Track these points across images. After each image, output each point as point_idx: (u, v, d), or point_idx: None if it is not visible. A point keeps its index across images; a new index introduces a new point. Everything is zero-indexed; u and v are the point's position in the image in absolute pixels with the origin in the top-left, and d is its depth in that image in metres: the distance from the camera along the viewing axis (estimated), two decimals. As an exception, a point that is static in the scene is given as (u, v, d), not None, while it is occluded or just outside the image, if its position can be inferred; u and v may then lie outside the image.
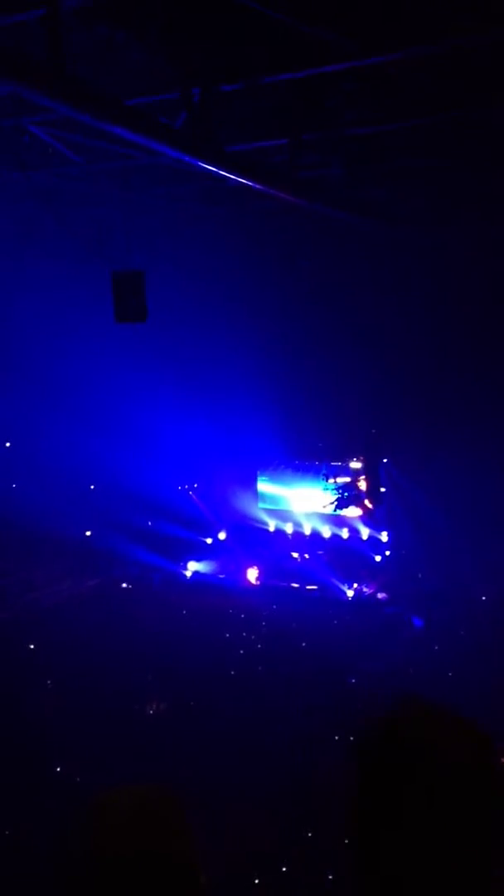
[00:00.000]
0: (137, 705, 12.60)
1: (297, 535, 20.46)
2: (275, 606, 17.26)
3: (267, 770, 10.37)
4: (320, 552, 19.83)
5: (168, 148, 6.98)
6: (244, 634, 15.71)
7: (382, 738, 1.36)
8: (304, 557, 19.91)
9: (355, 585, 18.24)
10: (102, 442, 18.11)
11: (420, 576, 17.77)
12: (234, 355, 17.12)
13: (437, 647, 14.52)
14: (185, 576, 19.64)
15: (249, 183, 8.14)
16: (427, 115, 7.62)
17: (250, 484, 20.85)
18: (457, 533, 16.59)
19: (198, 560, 20.01)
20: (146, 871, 1.36)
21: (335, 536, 20.00)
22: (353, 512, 19.53)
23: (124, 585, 18.87)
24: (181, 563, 19.73)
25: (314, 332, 16.56)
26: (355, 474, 19.34)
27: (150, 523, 19.77)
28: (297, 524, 20.50)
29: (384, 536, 19.40)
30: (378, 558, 19.31)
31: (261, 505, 20.92)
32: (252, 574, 19.31)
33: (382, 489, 18.80)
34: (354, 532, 19.74)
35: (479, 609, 15.65)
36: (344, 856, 7.62)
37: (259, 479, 20.88)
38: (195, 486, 21.42)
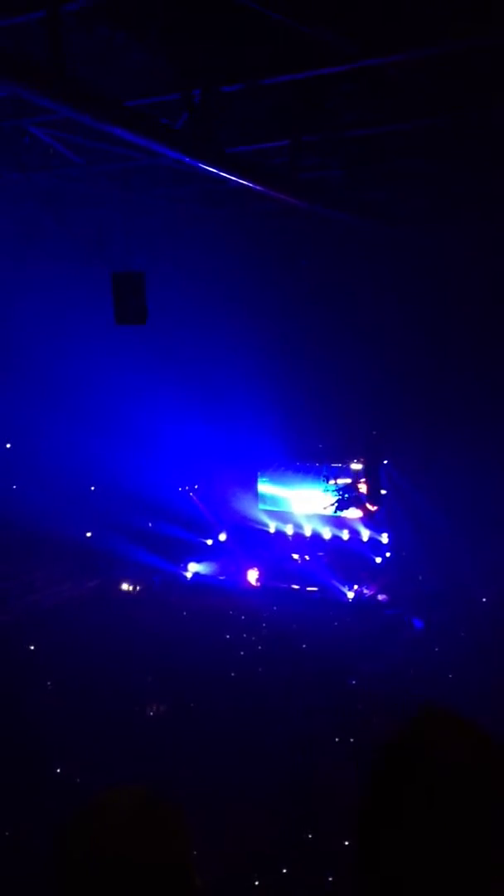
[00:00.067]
0: (138, 706, 12.61)
1: (298, 536, 20.45)
2: (275, 608, 17.26)
3: (267, 771, 10.37)
4: (321, 554, 19.83)
5: (168, 149, 6.98)
6: (244, 636, 15.72)
7: (402, 748, 1.36)
8: (305, 559, 19.90)
9: (356, 587, 18.24)
10: (103, 443, 18.12)
11: (420, 577, 17.76)
12: (234, 356, 17.12)
13: (437, 649, 14.52)
14: (185, 577, 19.64)
15: (250, 184, 8.14)
16: (427, 117, 7.61)
17: (251, 485, 20.86)
18: (457, 534, 16.59)
19: (198, 561, 20.01)
20: (143, 871, 1.36)
21: (335, 538, 20.00)
22: (353, 513, 19.53)
23: (124, 587, 18.86)
24: (181, 565, 19.73)
25: (314, 333, 16.57)
26: (356, 476, 19.33)
27: (150, 525, 19.77)
28: (297, 525, 20.49)
29: (384, 538, 19.40)
30: (378, 560, 19.31)
31: (261, 506, 20.93)
32: (252, 575, 19.30)
33: (383, 491, 18.79)
34: (355, 533, 19.74)
35: (479, 610, 15.65)
36: (344, 857, 7.62)
37: (259, 480, 20.88)
38: (195, 487, 21.42)
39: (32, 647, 14.66)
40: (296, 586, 18.68)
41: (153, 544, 19.21)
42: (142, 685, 13.11)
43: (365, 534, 19.58)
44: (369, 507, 19.07)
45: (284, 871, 8.87)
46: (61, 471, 18.56)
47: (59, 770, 10.52)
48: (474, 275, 13.75)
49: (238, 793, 9.87)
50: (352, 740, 11.23)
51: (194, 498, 21.29)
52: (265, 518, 20.92)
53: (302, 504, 20.33)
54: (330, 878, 8.54)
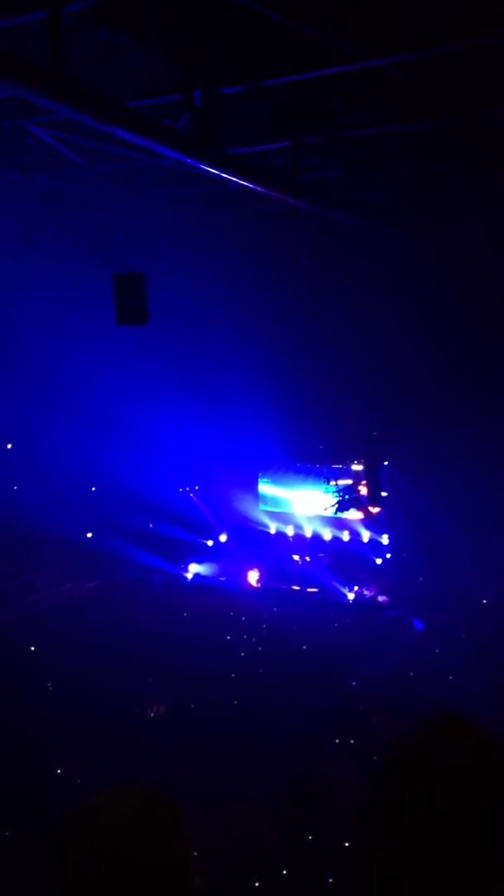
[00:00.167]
0: (138, 707, 12.60)
1: (298, 537, 20.44)
2: (275, 609, 17.26)
3: (267, 772, 10.36)
4: (321, 555, 19.81)
5: (169, 150, 6.98)
6: (245, 637, 15.71)
7: (415, 757, 1.36)
8: (305, 560, 19.88)
9: (356, 588, 18.22)
10: (103, 443, 18.11)
11: (421, 579, 17.75)
12: (234, 357, 17.12)
13: (437, 650, 14.50)
14: (185, 578, 19.63)
15: (250, 185, 8.14)
16: (427, 118, 7.62)
17: (251, 486, 20.85)
18: (457, 535, 16.58)
19: (199, 562, 20.00)
20: (143, 871, 1.37)
21: (336, 539, 19.98)
22: (353, 515, 19.51)
23: (125, 588, 18.86)
24: (182, 566, 19.72)
25: (315, 334, 16.57)
26: (356, 477, 19.32)
27: (150, 525, 19.77)
28: (298, 527, 20.48)
29: (385, 539, 19.39)
30: (379, 561, 19.29)
31: (262, 507, 20.92)
32: (253, 576, 19.30)
33: (383, 492, 18.78)
34: (355, 535, 19.73)
35: (479, 612, 15.64)
36: (344, 858, 7.62)
37: (260, 481, 20.88)
38: (196, 488, 21.41)
39: (32, 648, 14.65)
40: (296, 587, 18.67)
41: (154, 545, 19.20)
42: (142, 686, 13.10)
43: (365, 535, 19.57)
44: (370, 508, 19.06)
45: (284, 871, 8.87)
46: (62, 471, 18.55)
47: (59, 770, 10.51)
48: (474, 275, 13.75)
49: (238, 793, 9.86)
50: (352, 741, 11.23)
51: (195, 499, 21.28)
52: (266, 519, 20.90)
53: (302, 505, 20.32)
54: (330, 879, 8.53)
